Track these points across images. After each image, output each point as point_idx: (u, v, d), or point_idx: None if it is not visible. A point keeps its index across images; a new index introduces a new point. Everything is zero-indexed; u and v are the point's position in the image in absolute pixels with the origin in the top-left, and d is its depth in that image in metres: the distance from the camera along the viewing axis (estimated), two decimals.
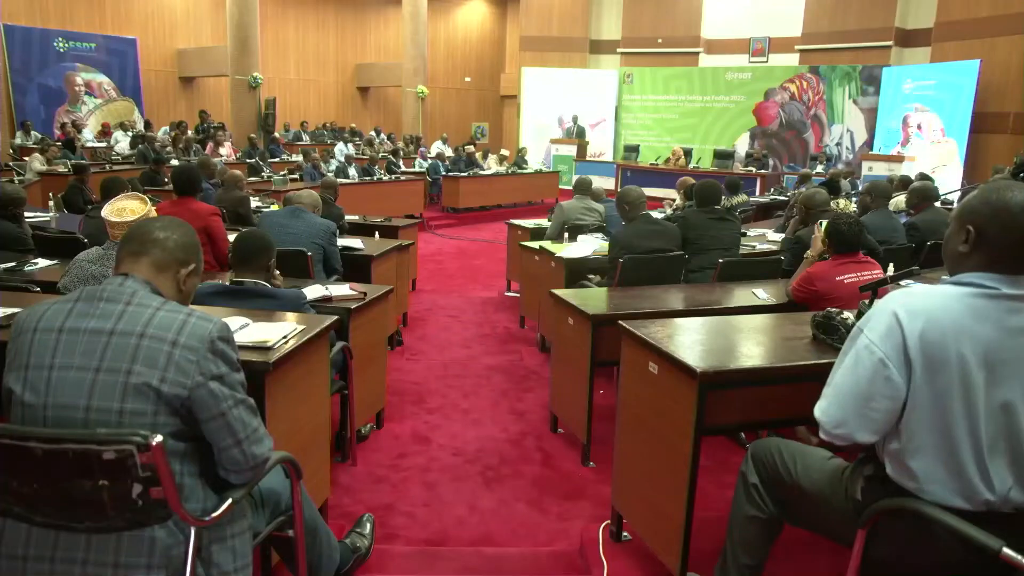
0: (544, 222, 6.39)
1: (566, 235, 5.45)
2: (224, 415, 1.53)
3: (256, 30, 13.96)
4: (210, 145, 12.01)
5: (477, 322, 5.93)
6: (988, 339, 1.47)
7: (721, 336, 2.52)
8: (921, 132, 12.96)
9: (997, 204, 1.49)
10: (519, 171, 12.95)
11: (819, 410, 1.62)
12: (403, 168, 12.49)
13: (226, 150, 11.94)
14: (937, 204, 5.45)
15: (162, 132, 13.44)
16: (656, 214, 5.18)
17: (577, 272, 4.62)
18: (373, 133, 16.24)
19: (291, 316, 2.64)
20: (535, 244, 5.42)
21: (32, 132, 12.65)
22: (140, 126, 13.86)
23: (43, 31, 14.38)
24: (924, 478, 1.52)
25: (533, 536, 2.79)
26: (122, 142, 12.63)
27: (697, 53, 16.43)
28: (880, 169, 11.46)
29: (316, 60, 19.78)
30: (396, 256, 5.13)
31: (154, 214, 2.93)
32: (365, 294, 3.37)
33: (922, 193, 5.24)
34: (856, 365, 1.55)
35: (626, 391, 2.54)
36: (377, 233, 5.70)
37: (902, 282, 2.60)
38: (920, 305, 1.50)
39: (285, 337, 2.31)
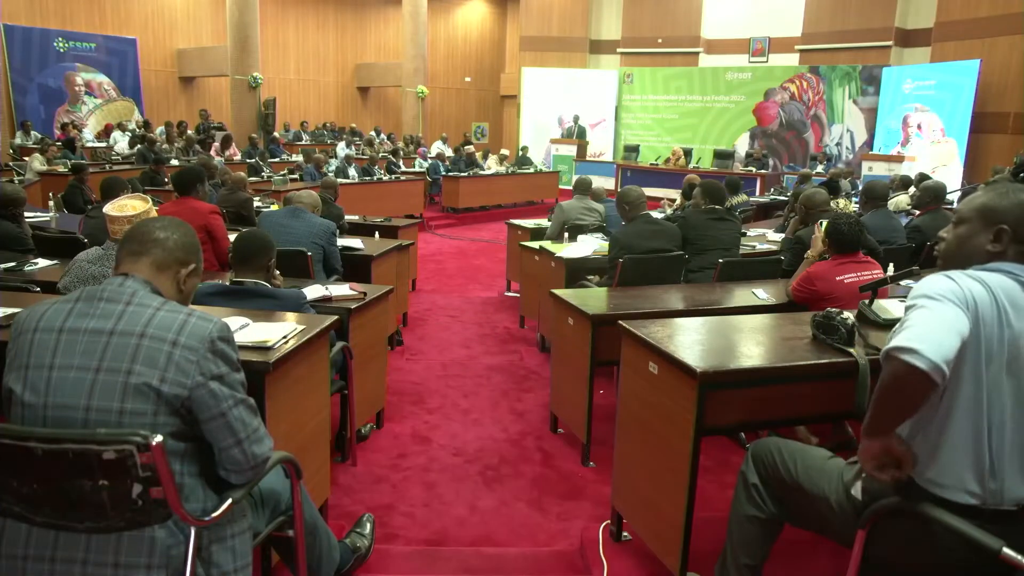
0: (544, 222, 6.39)
1: (566, 235, 5.45)
2: (224, 415, 1.53)
3: (256, 30, 13.96)
4: (215, 145, 12.00)
5: (477, 322, 5.93)
6: (1019, 328, 1.49)
7: (721, 336, 2.52)
8: (921, 132, 12.96)
9: None
10: (519, 171, 12.95)
11: (903, 339, 1.40)
12: (403, 168, 12.49)
13: (229, 150, 11.94)
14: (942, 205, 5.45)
15: (159, 132, 13.45)
16: (656, 214, 5.18)
17: (577, 272, 4.62)
18: (373, 133, 16.24)
19: (291, 316, 2.64)
20: (535, 244, 5.42)
21: (32, 132, 12.65)
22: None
23: (43, 31, 14.38)
24: (938, 460, 1.52)
25: (533, 536, 2.79)
26: (121, 142, 12.63)
27: (697, 53, 16.43)
28: (880, 169, 11.46)
29: (316, 60, 19.78)
30: (396, 256, 5.13)
31: (154, 213, 2.93)
32: (365, 294, 3.37)
33: (934, 192, 5.21)
34: (937, 308, 1.44)
35: (626, 391, 2.54)
36: (377, 233, 5.70)
37: (902, 282, 2.60)
38: (969, 281, 1.50)
39: (285, 337, 2.31)
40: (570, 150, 14.95)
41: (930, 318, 1.43)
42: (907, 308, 1.51)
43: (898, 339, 1.42)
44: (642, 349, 2.40)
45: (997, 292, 1.49)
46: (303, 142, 15.52)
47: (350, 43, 20.22)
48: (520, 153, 13.81)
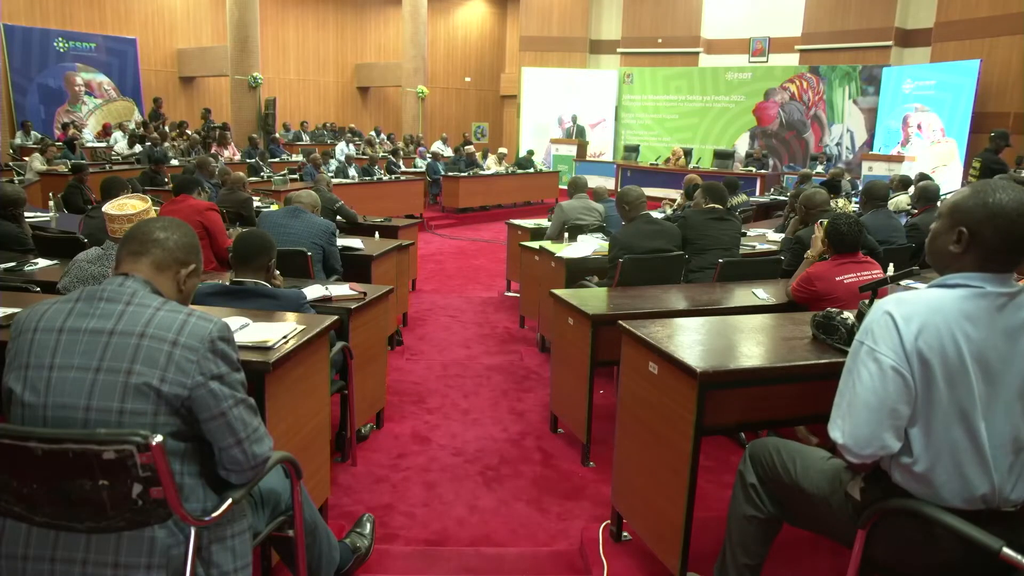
0: (544, 222, 6.39)
1: (566, 235, 5.45)
2: (224, 415, 1.53)
3: (256, 30, 13.95)
4: (214, 145, 12.01)
5: (477, 322, 5.93)
6: (980, 339, 1.49)
7: (721, 336, 2.52)
8: (921, 132, 12.96)
9: (994, 208, 1.50)
10: (519, 171, 12.94)
11: (841, 433, 1.56)
12: (403, 168, 12.49)
13: (228, 151, 11.94)
14: (938, 204, 5.50)
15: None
16: (656, 214, 5.18)
17: (577, 272, 4.62)
18: (373, 133, 16.24)
19: (291, 316, 2.64)
20: (535, 244, 5.42)
21: (32, 132, 12.65)
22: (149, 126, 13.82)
23: (43, 31, 14.38)
24: (931, 482, 1.52)
25: (533, 536, 2.79)
26: (121, 142, 12.64)
27: (697, 53, 16.44)
28: (880, 169, 11.46)
29: (316, 60, 19.79)
30: (396, 256, 5.13)
31: (154, 213, 2.94)
32: (365, 294, 3.37)
33: (923, 192, 5.36)
34: (873, 378, 1.51)
35: (626, 391, 2.54)
36: (377, 233, 5.70)
37: (902, 282, 2.60)
38: (913, 310, 1.51)
39: (285, 337, 2.31)
40: (570, 150, 14.95)
41: (868, 403, 1.52)
42: (852, 350, 1.60)
43: (834, 428, 1.58)
44: (642, 349, 2.40)
45: (950, 314, 1.49)
46: (303, 142, 15.52)
47: (350, 43, 20.22)
48: (525, 155, 13.79)
